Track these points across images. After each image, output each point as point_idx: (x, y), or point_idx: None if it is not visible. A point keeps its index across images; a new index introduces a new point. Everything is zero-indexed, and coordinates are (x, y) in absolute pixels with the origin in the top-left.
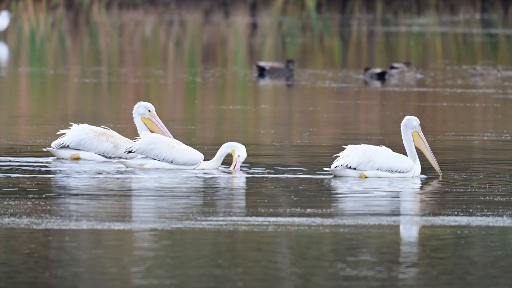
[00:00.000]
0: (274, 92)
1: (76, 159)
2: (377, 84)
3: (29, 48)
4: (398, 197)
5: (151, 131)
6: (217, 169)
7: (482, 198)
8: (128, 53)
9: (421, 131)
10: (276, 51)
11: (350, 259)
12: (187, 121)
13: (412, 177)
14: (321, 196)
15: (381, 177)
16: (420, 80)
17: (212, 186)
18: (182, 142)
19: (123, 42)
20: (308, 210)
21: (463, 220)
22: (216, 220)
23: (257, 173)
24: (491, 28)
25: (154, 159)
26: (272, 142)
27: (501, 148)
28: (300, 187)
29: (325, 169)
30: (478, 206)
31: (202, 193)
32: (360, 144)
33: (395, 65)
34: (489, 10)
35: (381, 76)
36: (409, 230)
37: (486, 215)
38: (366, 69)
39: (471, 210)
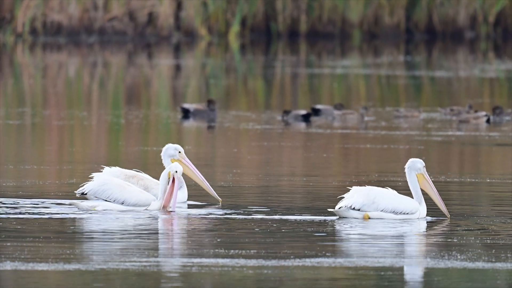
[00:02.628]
0: (198, 133)
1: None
2: (301, 125)
3: None
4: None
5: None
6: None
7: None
8: (52, 94)
9: (426, 173)
10: (200, 93)
11: None
12: (111, 162)
13: (418, 219)
14: (248, 237)
15: (385, 219)
16: (344, 121)
17: (142, 227)
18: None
19: (47, 84)
20: (232, 251)
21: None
22: (139, 261)
23: (189, 214)
24: (415, 70)
25: (106, 200)
26: (196, 183)
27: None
28: (227, 227)
29: (329, 210)
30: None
31: (128, 235)
32: (364, 185)
33: (318, 107)
34: (413, 52)
35: (306, 118)
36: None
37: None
38: (286, 112)
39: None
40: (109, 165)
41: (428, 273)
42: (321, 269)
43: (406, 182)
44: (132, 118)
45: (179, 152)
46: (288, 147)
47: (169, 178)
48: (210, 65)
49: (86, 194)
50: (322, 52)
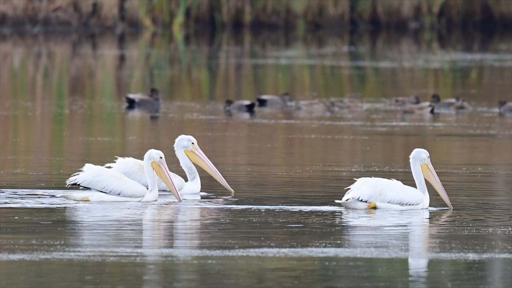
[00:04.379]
0: (143, 124)
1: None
2: (245, 116)
3: None
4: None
5: (194, 164)
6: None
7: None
8: None
9: (430, 163)
10: (144, 83)
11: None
12: (54, 152)
13: (422, 209)
14: (209, 227)
15: (392, 210)
16: (288, 112)
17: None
18: (51, 173)
19: None
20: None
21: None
22: (83, 252)
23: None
24: (359, 61)
25: (101, 191)
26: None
27: None
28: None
29: (336, 201)
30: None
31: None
32: (371, 176)
33: (264, 97)
34: (357, 43)
35: (250, 108)
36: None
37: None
38: (228, 102)
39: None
40: (54, 156)
41: (432, 264)
42: (285, 260)
43: (349, 172)
44: (77, 108)
45: (192, 143)
46: (232, 137)
47: (154, 168)
48: (155, 56)
49: (79, 184)
50: (266, 43)
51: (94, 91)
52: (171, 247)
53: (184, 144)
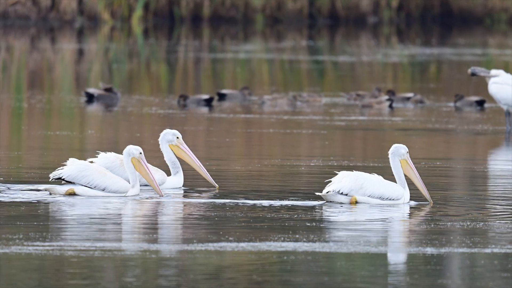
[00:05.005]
0: (102, 118)
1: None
2: (204, 110)
3: None
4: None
5: (179, 158)
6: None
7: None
8: None
9: (409, 158)
10: (103, 77)
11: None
12: (13, 147)
13: (403, 204)
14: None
15: (372, 204)
16: (247, 106)
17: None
18: (10, 167)
19: None
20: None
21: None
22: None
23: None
24: (318, 55)
25: (85, 186)
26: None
27: (328, 173)
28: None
29: (316, 193)
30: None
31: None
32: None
33: (223, 91)
34: (316, 37)
35: (208, 102)
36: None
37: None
38: (182, 96)
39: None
40: (12, 150)
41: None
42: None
43: (307, 166)
44: (35, 102)
45: (177, 137)
46: (191, 132)
47: (134, 164)
48: (113, 50)
49: (63, 179)
50: (225, 37)
51: (53, 85)
52: (150, 241)
53: (169, 138)
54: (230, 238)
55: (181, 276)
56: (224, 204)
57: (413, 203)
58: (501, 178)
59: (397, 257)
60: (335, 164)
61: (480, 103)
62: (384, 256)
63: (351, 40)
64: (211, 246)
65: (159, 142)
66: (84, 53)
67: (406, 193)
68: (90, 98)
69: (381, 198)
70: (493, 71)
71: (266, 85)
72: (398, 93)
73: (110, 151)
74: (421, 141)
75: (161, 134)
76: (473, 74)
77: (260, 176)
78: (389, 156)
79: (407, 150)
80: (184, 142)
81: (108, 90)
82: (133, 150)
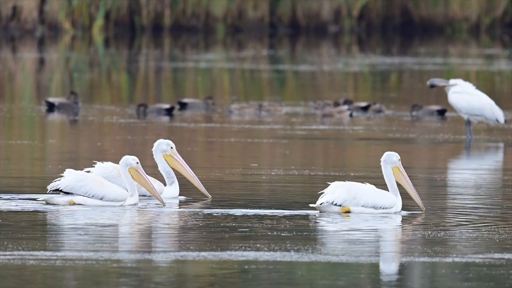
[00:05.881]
0: (62, 127)
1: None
2: (165, 119)
3: None
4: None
5: (172, 169)
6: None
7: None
8: None
9: (401, 166)
10: (64, 86)
11: None
12: None
13: (395, 212)
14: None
15: (366, 213)
16: (208, 115)
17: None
18: None
19: None
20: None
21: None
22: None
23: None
24: (278, 65)
25: (83, 195)
26: (60, 177)
27: (290, 182)
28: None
29: (311, 205)
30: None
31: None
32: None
33: (184, 100)
34: (277, 46)
35: (169, 112)
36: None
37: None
38: (141, 105)
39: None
40: None
41: (405, 268)
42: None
43: (262, 175)
44: None
45: (171, 147)
46: (151, 141)
47: (132, 174)
48: (74, 59)
49: (61, 190)
50: (186, 46)
51: (13, 94)
52: (145, 250)
53: (163, 148)
54: (191, 247)
55: (141, 286)
56: (184, 212)
57: (404, 212)
58: (462, 188)
59: (356, 266)
60: (296, 173)
61: (441, 112)
62: (347, 265)
63: (312, 49)
64: (172, 256)
65: (153, 152)
66: (45, 62)
67: (399, 202)
68: (51, 107)
69: (374, 207)
70: (452, 81)
71: (227, 94)
72: (355, 102)
73: (57, 161)
74: (382, 150)
75: (155, 144)
76: (432, 86)
77: (221, 185)
78: (382, 163)
79: (399, 157)
80: (146, 151)
81: (73, 94)
82: (130, 160)
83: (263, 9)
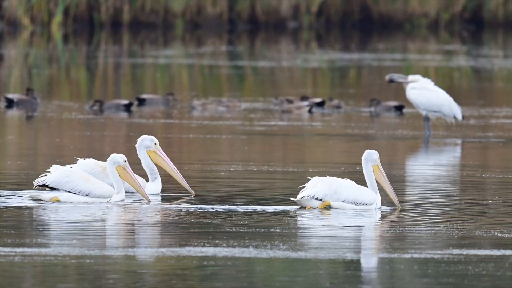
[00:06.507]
0: (21, 123)
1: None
2: (123, 115)
3: None
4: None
5: (156, 164)
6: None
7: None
8: None
9: (380, 164)
10: (23, 82)
11: None
12: None
13: (375, 209)
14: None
15: (346, 209)
16: (166, 111)
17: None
18: None
19: None
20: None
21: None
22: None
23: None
24: (237, 60)
25: (70, 191)
26: (18, 173)
27: (249, 178)
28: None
29: (291, 199)
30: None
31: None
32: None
33: (143, 96)
34: (236, 42)
35: (127, 108)
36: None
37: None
38: (97, 101)
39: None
40: None
41: (385, 264)
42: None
43: (221, 171)
44: None
45: (155, 143)
46: (110, 137)
47: (119, 172)
48: (33, 55)
49: (47, 185)
50: (145, 42)
51: None
52: (130, 246)
53: (147, 144)
54: (150, 244)
55: (98, 281)
56: (148, 208)
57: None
58: (420, 184)
59: (316, 262)
60: (255, 169)
61: (399, 108)
62: (305, 261)
63: (271, 45)
64: (131, 252)
65: (137, 148)
66: (3, 58)
67: (378, 199)
68: (10, 103)
69: (354, 203)
70: (411, 77)
71: (186, 90)
72: (311, 98)
73: (17, 156)
74: (340, 146)
75: (139, 140)
76: (391, 81)
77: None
78: (362, 161)
79: (378, 155)
80: (104, 147)
81: (29, 91)
82: (118, 158)
83: (222, 5)
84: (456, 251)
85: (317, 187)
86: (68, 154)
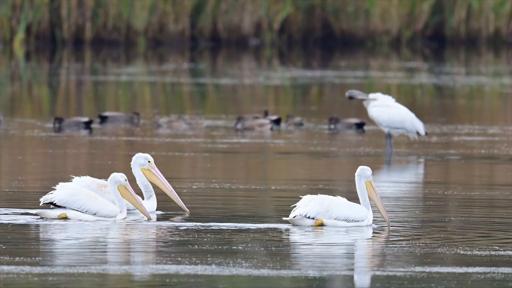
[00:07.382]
0: None
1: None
2: (84, 133)
3: None
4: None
5: (151, 182)
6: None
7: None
8: None
9: (373, 180)
10: None
11: None
12: None
13: (366, 226)
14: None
15: (339, 226)
16: (129, 129)
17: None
18: None
19: None
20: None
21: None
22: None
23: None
24: (199, 78)
25: (77, 210)
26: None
27: (211, 195)
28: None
29: (284, 218)
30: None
31: None
32: (317, 194)
33: (105, 113)
34: (198, 59)
35: (87, 125)
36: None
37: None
38: (57, 119)
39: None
40: None
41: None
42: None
43: (190, 188)
44: None
45: (149, 161)
46: (73, 154)
47: (121, 192)
48: None
49: (54, 203)
50: (107, 59)
51: None
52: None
53: (141, 162)
54: (117, 261)
55: None
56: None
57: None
58: (383, 200)
59: (278, 279)
60: (217, 186)
61: (360, 125)
62: (267, 278)
63: (233, 63)
64: (94, 269)
65: (131, 166)
66: None
67: (370, 215)
68: None
69: (347, 220)
70: (371, 95)
71: (149, 107)
72: (268, 116)
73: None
74: (302, 164)
75: (133, 158)
76: (351, 98)
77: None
78: (356, 177)
79: (371, 172)
80: (66, 165)
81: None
82: (119, 177)
83: (184, 23)
84: (418, 268)
85: (309, 205)
86: (29, 171)
